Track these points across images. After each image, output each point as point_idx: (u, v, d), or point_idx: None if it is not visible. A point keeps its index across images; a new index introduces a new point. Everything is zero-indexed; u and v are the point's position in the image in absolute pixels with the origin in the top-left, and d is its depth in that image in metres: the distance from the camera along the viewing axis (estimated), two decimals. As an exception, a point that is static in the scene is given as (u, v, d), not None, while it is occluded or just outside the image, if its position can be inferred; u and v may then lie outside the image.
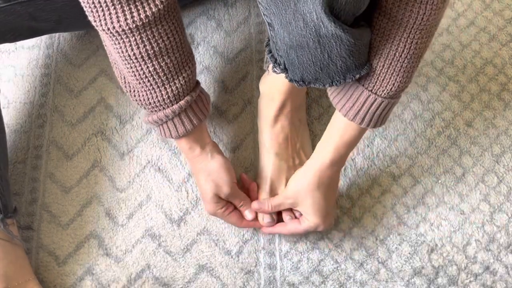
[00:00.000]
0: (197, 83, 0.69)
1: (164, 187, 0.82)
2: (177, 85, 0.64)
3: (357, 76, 0.58)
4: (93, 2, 0.57)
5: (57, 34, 0.91)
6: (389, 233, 0.81)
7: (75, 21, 0.77)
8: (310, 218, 0.72)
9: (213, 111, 0.87)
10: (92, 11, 0.58)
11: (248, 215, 0.76)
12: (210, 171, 0.72)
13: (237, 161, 0.84)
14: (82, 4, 0.58)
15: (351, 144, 0.68)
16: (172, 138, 0.69)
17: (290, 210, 0.76)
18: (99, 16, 0.58)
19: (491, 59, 0.93)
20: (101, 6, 0.57)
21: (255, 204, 0.76)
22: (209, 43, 0.91)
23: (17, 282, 0.71)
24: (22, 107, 0.86)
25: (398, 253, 0.80)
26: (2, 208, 0.71)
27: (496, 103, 0.90)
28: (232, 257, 0.79)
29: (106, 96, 0.87)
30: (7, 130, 0.84)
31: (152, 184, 0.82)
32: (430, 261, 0.79)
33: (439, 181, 0.84)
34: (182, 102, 0.66)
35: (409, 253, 0.80)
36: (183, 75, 0.65)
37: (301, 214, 0.75)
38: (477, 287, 0.78)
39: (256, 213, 0.76)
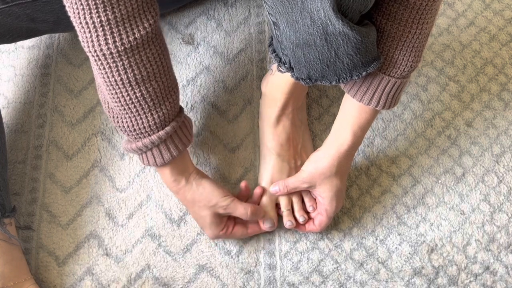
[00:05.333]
0: (180, 107, 0.68)
1: (164, 187, 0.81)
2: (163, 110, 0.63)
3: (364, 73, 0.58)
4: (80, 23, 0.56)
5: (57, 34, 0.91)
6: (389, 233, 0.81)
7: None
8: (328, 202, 0.73)
9: (213, 111, 0.87)
10: (80, 32, 0.57)
11: (266, 225, 0.76)
12: (201, 197, 0.71)
13: (237, 161, 0.84)
14: (74, 24, 0.57)
15: (367, 126, 0.70)
16: (156, 165, 0.67)
17: (303, 206, 0.77)
18: (86, 37, 0.56)
19: (491, 59, 0.93)
20: (88, 27, 0.55)
21: (271, 188, 0.76)
22: (209, 43, 0.91)
23: (13, 282, 0.71)
24: (22, 107, 0.86)
25: (398, 253, 0.80)
26: (0, 207, 0.71)
27: (496, 103, 0.90)
28: (232, 257, 0.79)
29: (106, 96, 0.87)
30: (7, 130, 0.84)
31: (152, 184, 0.82)
32: (430, 261, 0.79)
33: (439, 181, 0.84)
34: (168, 128, 0.64)
35: (409, 253, 0.80)
36: (169, 100, 0.64)
37: (313, 209, 0.76)
38: (477, 287, 0.78)
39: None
